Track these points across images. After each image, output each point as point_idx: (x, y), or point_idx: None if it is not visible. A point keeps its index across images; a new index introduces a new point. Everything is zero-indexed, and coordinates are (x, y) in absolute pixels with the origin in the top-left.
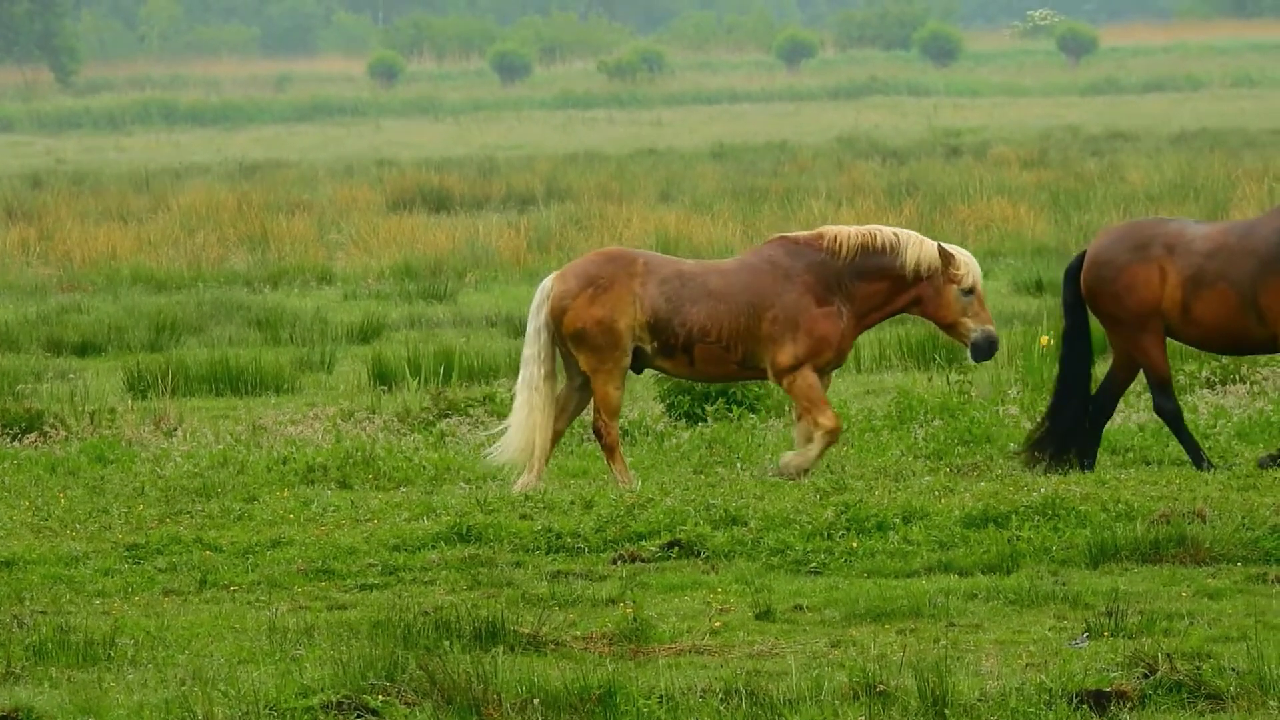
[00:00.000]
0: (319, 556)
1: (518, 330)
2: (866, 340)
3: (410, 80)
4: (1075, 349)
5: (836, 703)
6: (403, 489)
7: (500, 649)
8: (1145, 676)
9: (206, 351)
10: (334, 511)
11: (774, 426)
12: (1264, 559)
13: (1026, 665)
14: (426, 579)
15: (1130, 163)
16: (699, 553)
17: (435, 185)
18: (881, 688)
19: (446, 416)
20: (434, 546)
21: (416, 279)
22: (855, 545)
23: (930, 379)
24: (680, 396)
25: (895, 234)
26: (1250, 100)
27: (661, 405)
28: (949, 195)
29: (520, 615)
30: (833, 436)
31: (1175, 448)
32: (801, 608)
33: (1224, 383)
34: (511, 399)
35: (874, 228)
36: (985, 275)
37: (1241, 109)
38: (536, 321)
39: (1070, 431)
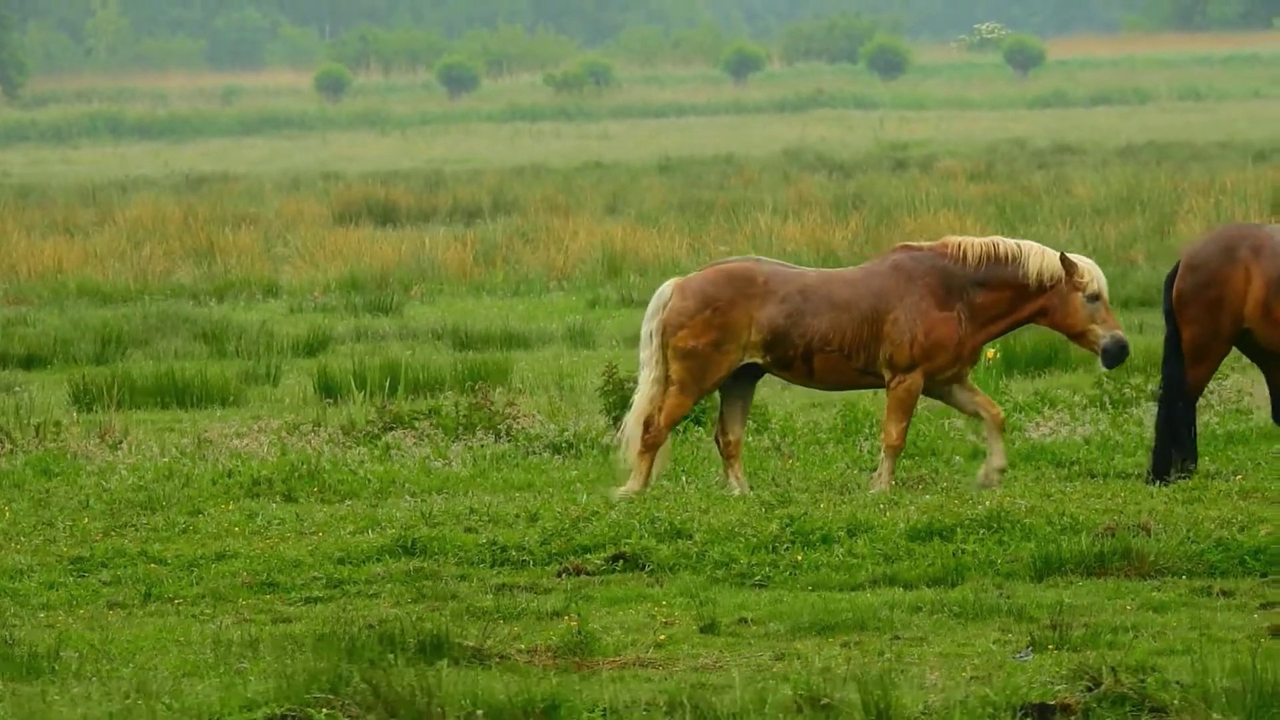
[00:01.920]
0: (264, 570)
1: (464, 343)
2: None
3: (357, 93)
4: (1175, 356)
5: (781, 716)
6: (348, 502)
7: (445, 662)
8: (1089, 689)
9: (152, 364)
10: (279, 524)
11: None
12: (1208, 572)
13: (971, 678)
14: (371, 592)
15: (1077, 176)
16: (644, 566)
17: (382, 198)
18: (826, 701)
19: (392, 429)
20: (379, 560)
21: (362, 292)
22: (800, 558)
23: (875, 392)
24: (626, 409)
25: (1017, 244)
26: (1197, 113)
27: (607, 418)
28: (895, 208)
29: (465, 628)
30: (893, 453)
31: (1121, 461)
32: (746, 621)
33: None
34: (457, 411)
35: (996, 239)
36: None
37: (1188, 122)
38: (649, 326)
39: (1179, 437)
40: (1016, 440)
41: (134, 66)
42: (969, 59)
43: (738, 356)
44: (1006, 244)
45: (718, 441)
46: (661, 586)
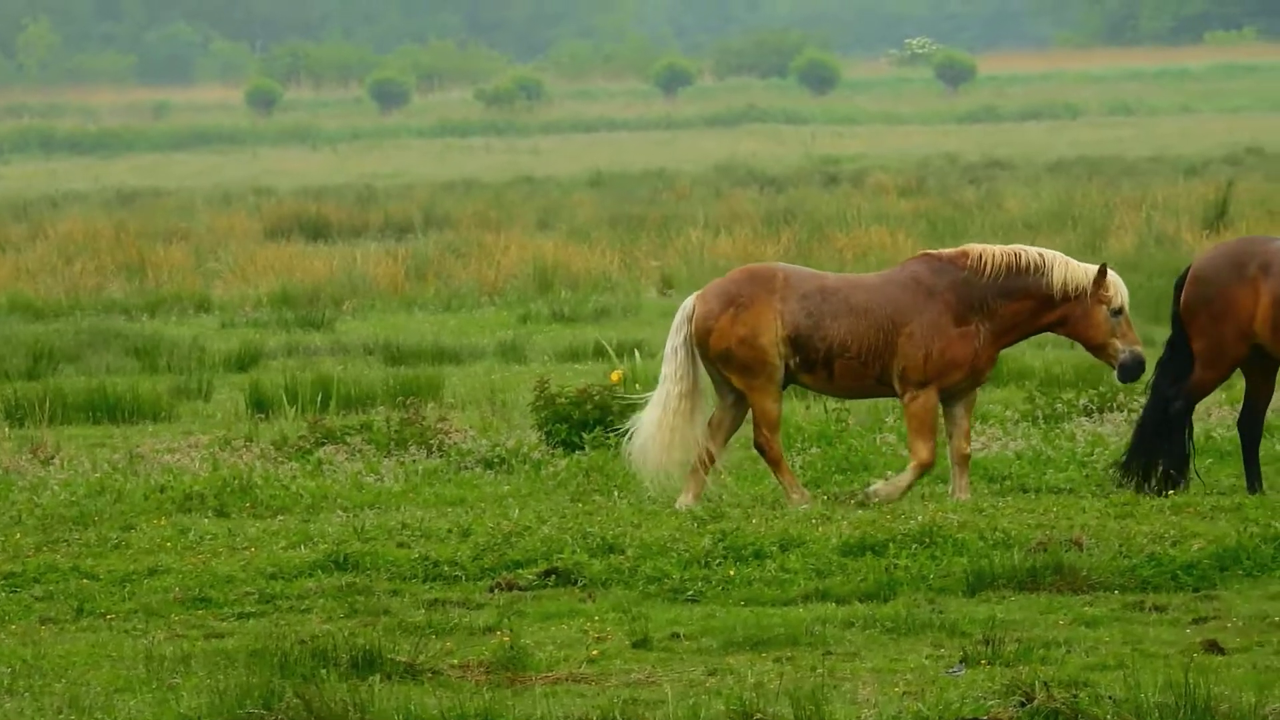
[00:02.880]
0: (196, 585)
1: (396, 358)
2: None
3: (288, 108)
4: (1175, 360)
5: None
6: (280, 517)
7: (377, 677)
8: (1022, 704)
9: (84, 380)
10: (211, 540)
11: None
12: (1141, 587)
13: (903, 694)
14: (303, 607)
15: (1008, 191)
16: (576, 581)
17: (313, 213)
18: (759, 716)
19: (324, 444)
20: (311, 575)
21: (294, 307)
22: (733, 573)
23: (808, 407)
24: (558, 425)
25: (1040, 254)
26: (1127, 128)
27: (539, 433)
28: (827, 223)
29: (397, 643)
30: (922, 470)
31: (1053, 476)
32: (679, 636)
33: (1101, 410)
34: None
35: (1018, 247)
36: None
37: (1119, 137)
38: (675, 340)
39: (1158, 445)
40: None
41: (65, 82)
42: (899, 74)
43: (774, 351)
44: (1029, 253)
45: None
46: (594, 602)
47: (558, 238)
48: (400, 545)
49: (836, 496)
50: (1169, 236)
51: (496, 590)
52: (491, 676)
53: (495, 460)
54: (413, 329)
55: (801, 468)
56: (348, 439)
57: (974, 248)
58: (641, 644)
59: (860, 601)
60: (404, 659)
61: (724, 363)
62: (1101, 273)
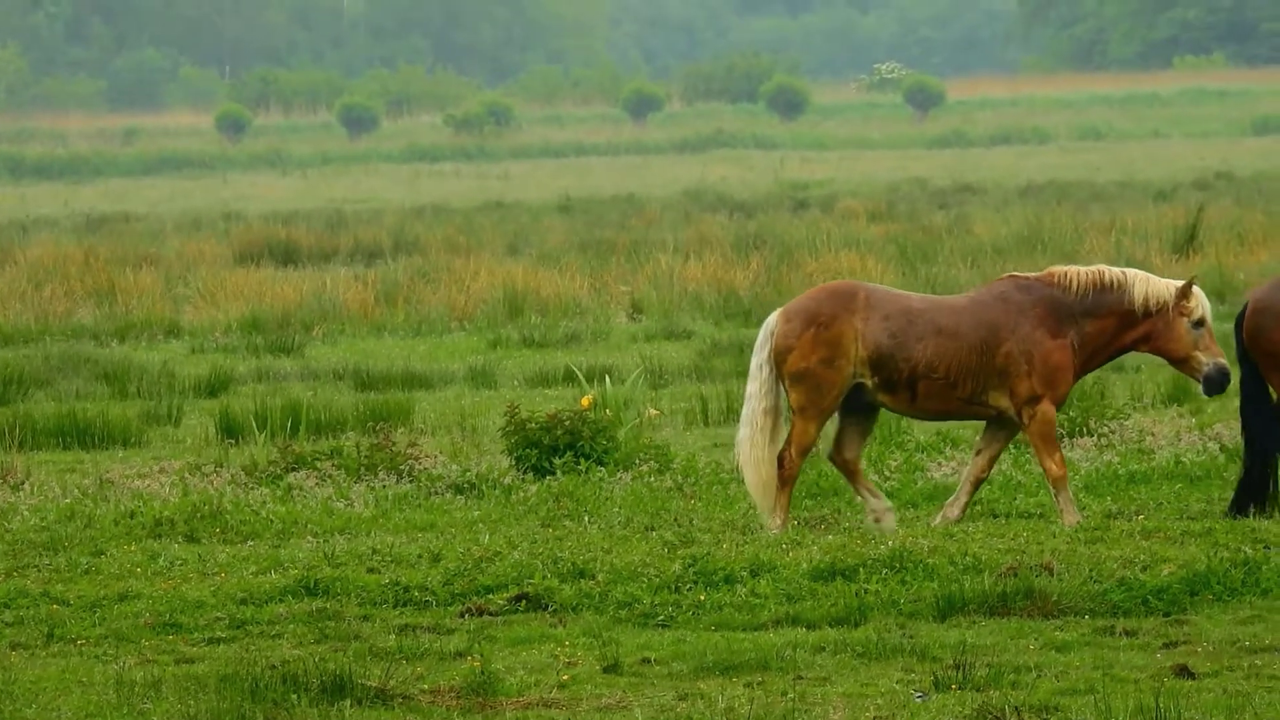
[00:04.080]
0: (166, 610)
1: (366, 383)
2: (714, 393)
3: (257, 133)
4: (1252, 399)
5: None
6: (250, 542)
7: (348, 703)
8: None
9: (54, 405)
10: (181, 565)
11: (622, 480)
12: (1111, 612)
13: (874, 718)
14: (274, 632)
15: (977, 215)
16: (546, 606)
17: (282, 238)
18: None
19: (294, 470)
20: (281, 600)
21: (264, 332)
22: (703, 598)
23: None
24: (528, 450)
25: (1122, 272)
26: (1097, 153)
27: (509, 458)
28: (796, 248)
29: (368, 669)
30: (1060, 484)
31: (1024, 501)
32: (649, 661)
33: (1072, 435)
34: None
35: (1100, 267)
36: None
37: (1088, 162)
38: (759, 357)
39: (1262, 481)
40: (919, 480)
41: (33, 107)
42: (869, 99)
43: (849, 371)
44: (1111, 272)
45: (833, 460)
46: (564, 627)
47: (527, 263)
48: (370, 570)
49: (807, 521)
50: (1138, 261)
51: (467, 615)
52: (462, 702)
53: (465, 485)
54: (382, 354)
55: None
56: (318, 464)
57: (1058, 268)
58: (612, 669)
59: (831, 626)
60: (374, 684)
61: (796, 380)
62: (1186, 287)
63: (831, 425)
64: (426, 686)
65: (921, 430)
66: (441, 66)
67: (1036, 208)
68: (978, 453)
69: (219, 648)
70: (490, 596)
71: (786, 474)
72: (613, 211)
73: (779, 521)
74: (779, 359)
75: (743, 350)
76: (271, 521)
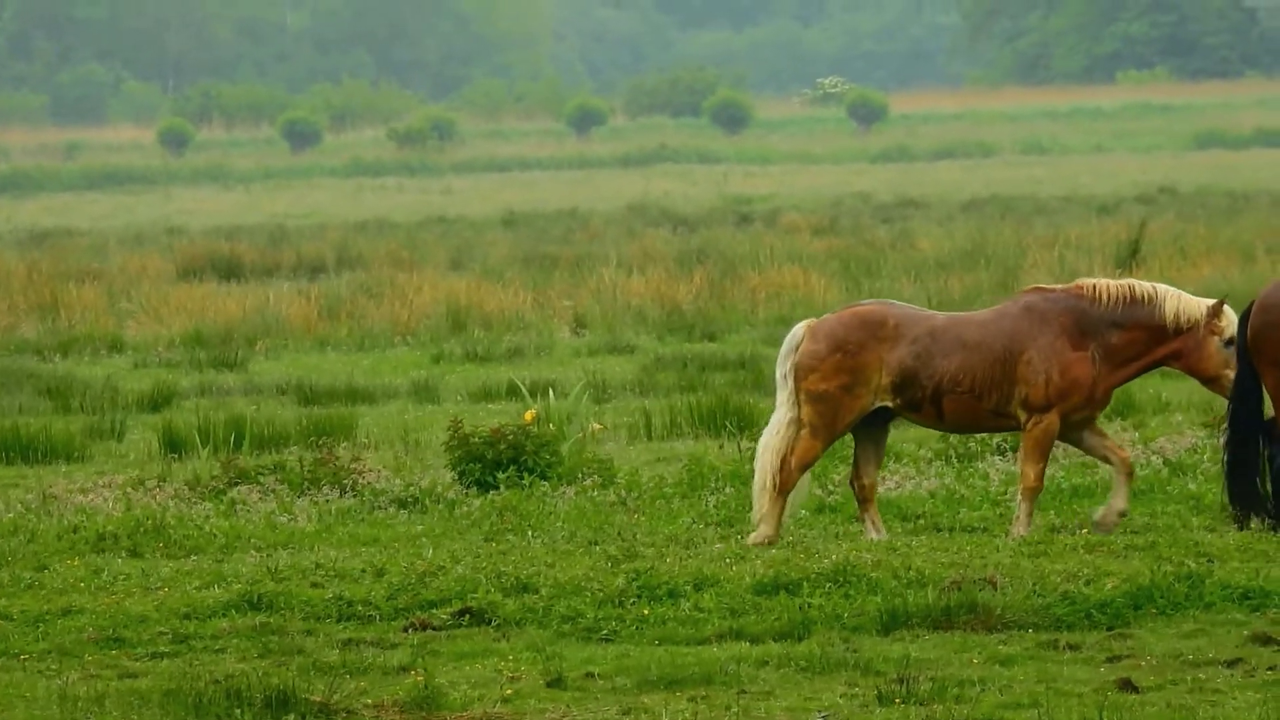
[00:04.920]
0: (110, 625)
1: (309, 398)
2: (658, 408)
3: (200, 148)
4: (1246, 396)
5: None
6: (193, 557)
7: (291, 717)
8: None
9: None
10: (125, 580)
11: (565, 494)
12: (1055, 626)
13: None
14: (217, 647)
15: (921, 230)
16: (490, 620)
17: (225, 253)
18: None
19: (237, 485)
20: (225, 615)
21: (207, 347)
22: (647, 612)
23: (721, 446)
24: (472, 464)
25: (1153, 286)
26: (1040, 167)
27: (453, 473)
28: (740, 263)
29: (311, 683)
30: (1032, 495)
31: (967, 514)
32: (593, 675)
33: (1014, 450)
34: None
35: (1131, 280)
36: (775, 343)
37: (1032, 176)
38: (783, 368)
39: (1251, 485)
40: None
41: None
42: (812, 113)
43: (869, 400)
44: (1142, 286)
45: (852, 485)
46: (508, 641)
47: (471, 277)
48: (314, 585)
49: (750, 535)
50: (1081, 274)
51: (411, 630)
52: (406, 716)
53: (409, 500)
54: (326, 369)
55: (715, 507)
56: (261, 479)
57: (1087, 280)
58: (556, 683)
59: (774, 640)
60: (318, 699)
61: (813, 401)
62: (1218, 306)
63: (856, 451)
64: (370, 701)
65: None
66: (385, 81)
67: (980, 222)
68: (1105, 459)
69: (162, 662)
70: (434, 611)
71: (784, 484)
72: (556, 226)
73: (769, 532)
74: (799, 375)
75: (685, 365)
76: (215, 536)
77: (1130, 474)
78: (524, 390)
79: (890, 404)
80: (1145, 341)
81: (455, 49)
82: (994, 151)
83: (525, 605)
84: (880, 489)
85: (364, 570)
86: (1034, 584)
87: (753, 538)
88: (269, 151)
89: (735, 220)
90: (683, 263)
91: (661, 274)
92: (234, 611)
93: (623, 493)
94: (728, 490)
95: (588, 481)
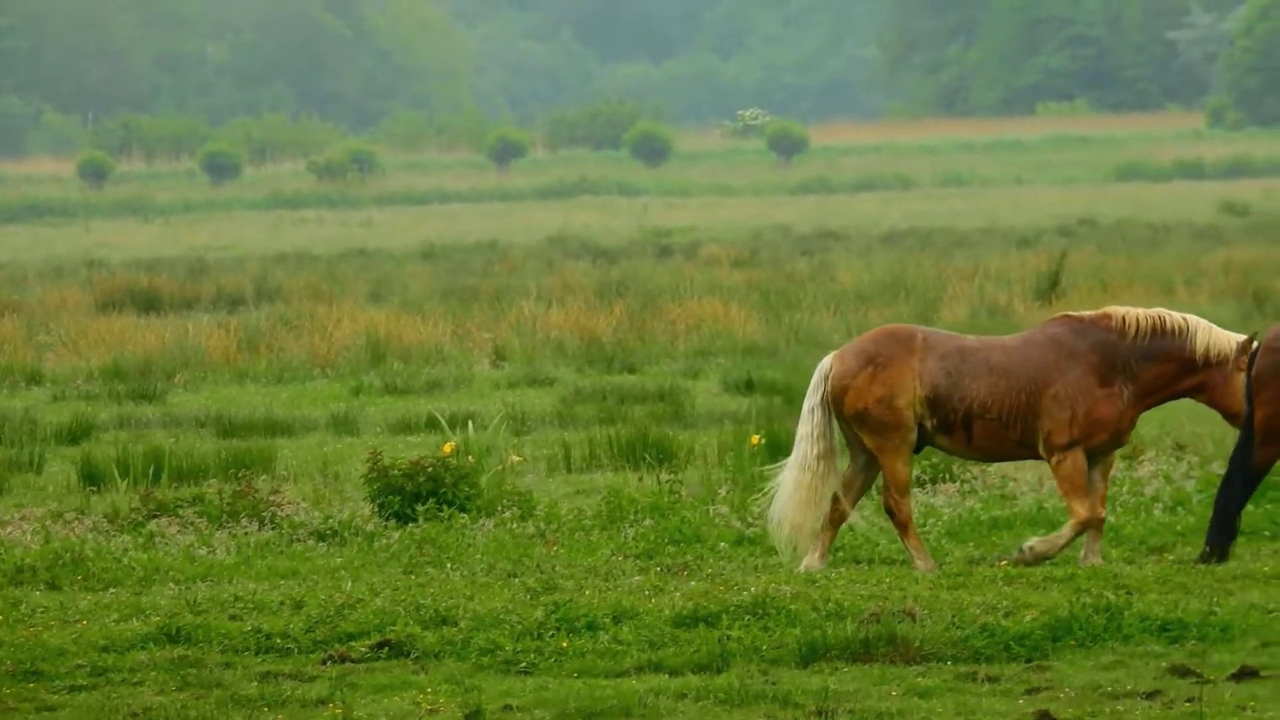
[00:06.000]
0: (27, 658)
1: (228, 430)
2: (577, 440)
3: (120, 181)
4: (1250, 434)
5: None
6: (112, 590)
7: None
8: None
9: None
10: (43, 612)
11: (484, 526)
12: (973, 658)
13: None
14: (136, 680)
15: (841, 262)
16: (409, 653)
17: (145, 286)
18: None
19: (156, 517)
20: (143, 647)
21: (126, 380)
22: (565, 645)
23: (641, 478)
24: (390, 497)
25: (1184, 319)
26: (960, 199)
27: (371, 505)
28: (660, 295)
29: (229, 716)
30: (1082, 527)
31: (886, 547)
32: (511, 708)
33: (934, 481)
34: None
35: (1161, 311)
36: (695, 376)
37: (951, 208)
38: (812, 400)
39: (1231, 516)
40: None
41: None
42: (732, 145)
43: (911, 412)
44: (1173, 317)
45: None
46: (427, 674)
47: (390, 310)
48: (232, 618)
49: (669, 568)
50: (1001, 307)
51: (329, 662)
52: None
53: (328, 532)
54: (245, 401)
55: (635, 539)
56: (180, 511)
57: (1116, 310)
58: (474, 716)
59: (693, 673)
60: None
61: (859, 422)
62: (1248, 343)
63: (838, 474)
64: None
65: None
66: (305, 113)
67: (900, 254)
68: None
69: (80, 695)
70: (352, 643)
71: (900, 520)
72: (476, 258)
73: (923, 563)
74: (836, 400)
75: (605, 397)
76: (133, 569)
77: (1100, 529)
78: (443, 422)
79: (927, 422)
80: (1174, 374)
81: (375, 82)
82: (914, 184)
83: (444, 638)
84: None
85: (282, 603)
86: (953, 616)
87: (922, 570)
88: (189, 184)
89: (655, 252)
90: (602, 295)
91: (581, 306)
92: (152, 644)
93: (542, 525)
94: (647, 522)
95: (507, 514)
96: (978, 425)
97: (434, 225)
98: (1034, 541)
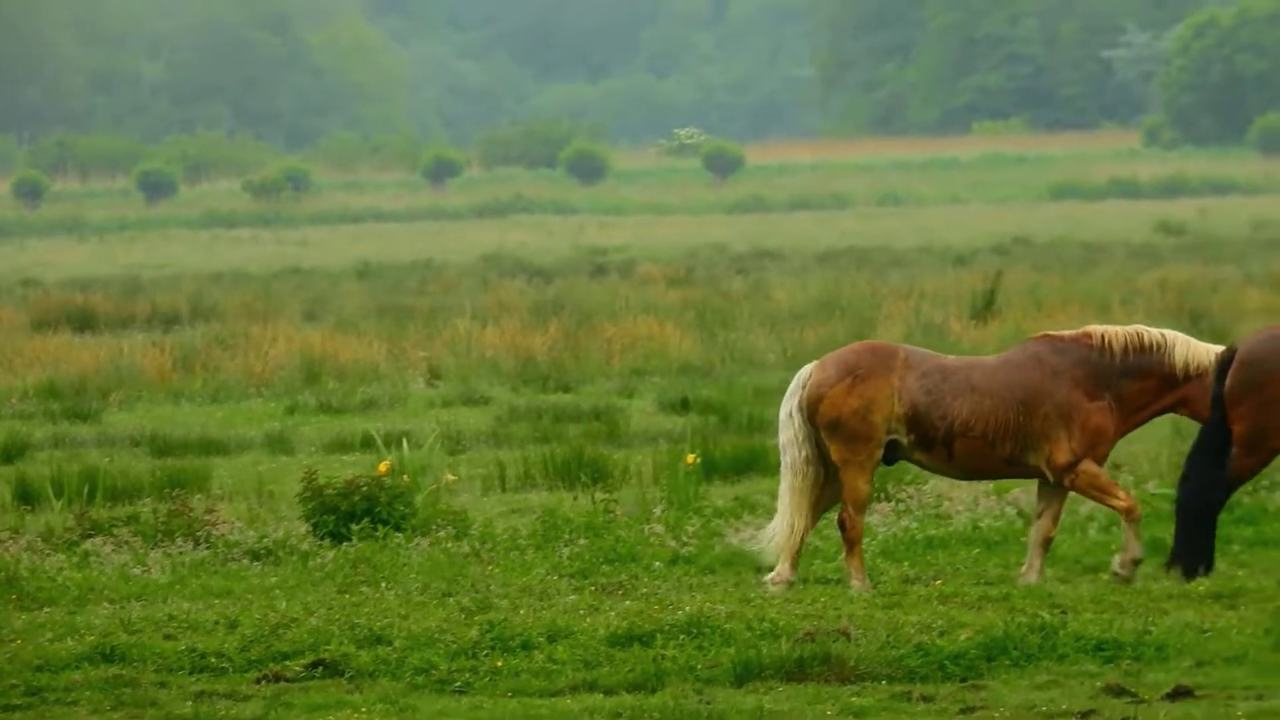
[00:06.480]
0: None
1: (163, 450)
2: (512, 458)
3: (55, 199)
4: (1208, 446)
5: None
6: (46, 609)
7: None
8: None
9: None
10: None
11: (419, 546)
12: (908, 677)
13: None
14: (70, 700)
15: (776, 281)
16: (343, 672)
17: (80, 305)
18: None
19: (91, 536)
20: (78, 667)
21: (61, 399)
22: (500, 664)
23: (575, 498)
24: (325, 516)
25: (1162, 334)
26: (895, 218)
27: (306, 525)
28: (595, 314)
29: None
30: (1131, 515)
31: (820, 566)
32: None
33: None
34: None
35: (1139, 328)
36: (630, 395)
37: (887, 227)
38: (789, 405)
39: (1200, 525)
40: (716, 545)
41: None
42: (668, 164)
43: (884, 428)
44: (1151, 333)
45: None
46: (361, 693)
47: (325, 329)
48: (167, 637)
49: (604, 587)
50: (937, 326)
51: (264, 682)
52: None
53: (263, 552)
54: (180, 420)
55: (569, 558)
56: (115, 531)
57: (1095, 328)
58: None
59: (628, 692)
60: None
61: (830, 431)
62: (1228, 352)
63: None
64: None
65: (719, 495)
66: (240, 132)
67: (835, 273)
68: (1039, 515)
69: (14, 715)
70: (287, 663)
71: (850, 537)
72: (411, 277)
73: (861, 583)
74: (812, 407)
75: (540, 416)
76: (68, 588)
77: (1047, 547)
78: (378, 441)
79: (904, 439)
80: (1155, 390)
81: (310, 101)
82: (849, 203)
83: (379, 657)
84: (735, 540)
85: (217, 622)
86: (888, 635)
87: (856, 587)
88: (124, 203)
89: (590, 271)
90: (538, 314)
91: (516, 325)
92: (87, 664)
93: (477, 544)
94: (581, 542)
95: (442, 533)
96: (959, 443)
97: (369, 244)
98: (1115, 561)
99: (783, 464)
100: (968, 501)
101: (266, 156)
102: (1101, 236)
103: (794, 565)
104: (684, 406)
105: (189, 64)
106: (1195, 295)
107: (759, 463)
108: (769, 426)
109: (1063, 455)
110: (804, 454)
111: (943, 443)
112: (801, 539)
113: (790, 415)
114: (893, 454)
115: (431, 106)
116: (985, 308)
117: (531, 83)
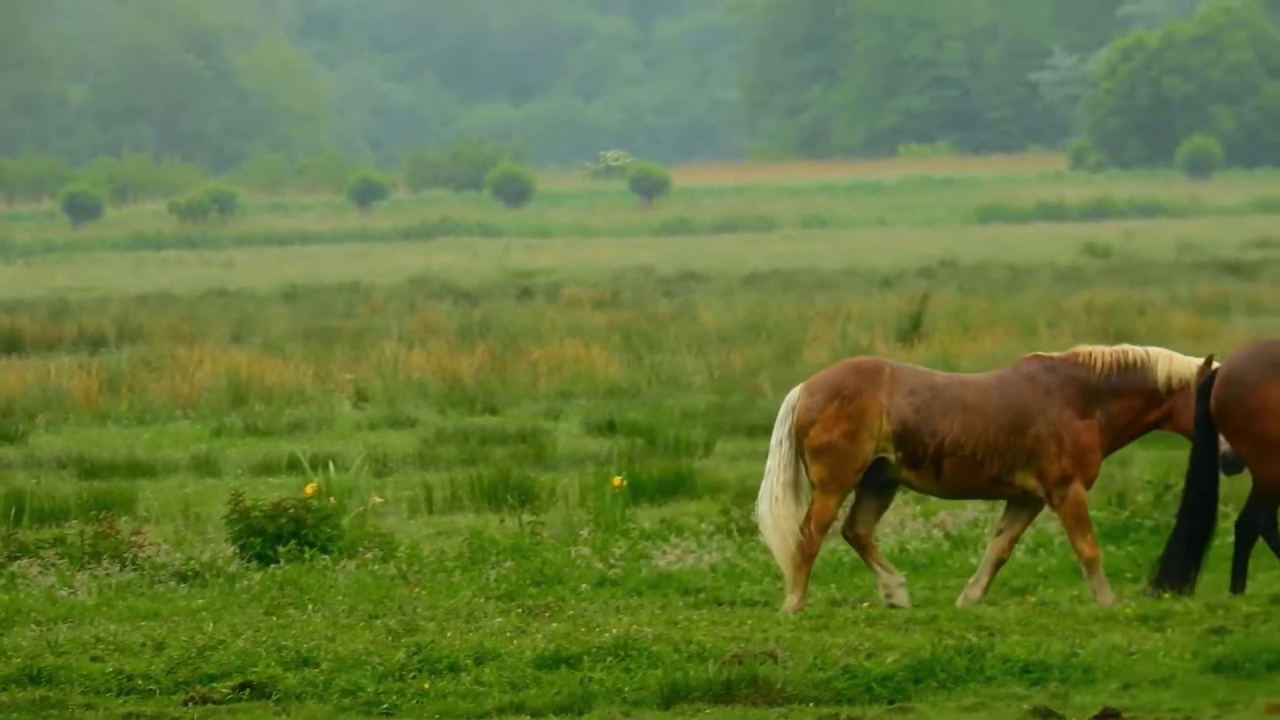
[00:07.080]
0: None
1: (90, 472)
2: (439, 481)
3: None
4: (1202, 467)
5: None
6: None
7: None
8: None
9: None
10: None
11: (346, 568)
12: (836, 699)
13: None
14: None
15: (703, 303)
16: (271, 694)
17: (6, 327)
18: None
19: (17, 559)
20: (4, 689)
21: None
22: (427, 686)
23: (502, 520)
24: (252, 538)
25: (1146, 351)
26: (821, 241)
27: (233, 547)
28: (522, 336)
29: None
30: (1095, 565)
31: (748, 588)
32: None
33: None
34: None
35: (1124, 346)
36: (556, 417)
37: (813, 250)
38: (780, 432)
39: (1190, 552)
40: (643, 568)
41: None
42: (594, 186)
43: (872, 447)
44: (1135, 351)
45: (846, 535)
46: (288, 715)
47: (252, 351)
48: (94, 659)
49: (531, 609)
50: (864, 348)
51: (191, 704)
52: None
53: (189, 574)
54: (106, 442)
55: (496, 581)
56: (41, 553)
57: (1082, 348)
58: None
59: (555, 715)
60: None
61: (817, 455)
62: (1206, 364)
63: (848, 499)
64: None
65: (646, 518)
66: (166, 154)
67: (762, 296)
68: (999, 533)
69: None
70: (214, 685)
71: (808, 550)
72: (338, 300)
73: (795, 601)
74: (800, 433)
75: (467, 438)
76: None
77: (998, 567)
78: (305, 464)
79: (892, 456)
80: (1141, 407)
81: (236, 123)
82: (775, 225)
83: (306, 679)
84: (662, 563)
85: (144, 644)
86: (815, 657)
87: (785, 607)
88: (50, 225)
89: (517, 293)
90: (464, 336)
91: (443, 347)
92: (13, 685)
93: (403, 566)
94: (508, 564)
95: (368, 555)
96: (949, 462)
97: (295, 266)
98: (1098, 601)
99: (763, 488)
100: (894, 524)
101: (193, 178)
102: (1028, 259)
103: (802, 595)
104: (610, 429)
105: (115, 86)
106: (1121, 317)
107: (685, 485)
108: (695, 449)
109: (1054, 470)
110: (785, 479)
111: (932, 460)
112: (872, 556)
113: (779, 442)
114: (881, 472)
115: (357, 128)
116: (912, 330)
117: (457, 105)
